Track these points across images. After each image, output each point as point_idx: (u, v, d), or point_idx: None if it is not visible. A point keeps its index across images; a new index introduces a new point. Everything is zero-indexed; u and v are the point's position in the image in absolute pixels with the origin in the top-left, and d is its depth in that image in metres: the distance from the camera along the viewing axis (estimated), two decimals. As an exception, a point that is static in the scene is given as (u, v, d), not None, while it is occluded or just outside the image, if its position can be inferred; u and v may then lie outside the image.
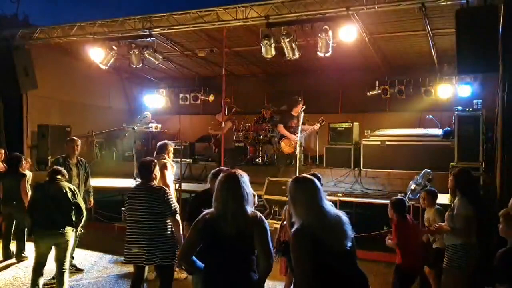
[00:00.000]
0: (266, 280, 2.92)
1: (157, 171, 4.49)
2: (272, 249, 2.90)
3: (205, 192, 4.09)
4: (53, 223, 4.83)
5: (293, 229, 2.68)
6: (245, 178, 2.98)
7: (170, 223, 4.31)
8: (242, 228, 2.80)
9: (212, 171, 4.05)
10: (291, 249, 2.64)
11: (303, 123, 7.79)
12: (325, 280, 2.55)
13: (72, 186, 5.12)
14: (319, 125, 7.75)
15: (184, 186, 7.94)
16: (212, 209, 2.92)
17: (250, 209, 2.92)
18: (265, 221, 2.92)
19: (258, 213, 2.95)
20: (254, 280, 2.84)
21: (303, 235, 2.59)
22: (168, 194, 4.32)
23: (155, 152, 5.93)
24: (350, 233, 2.63)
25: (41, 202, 4.89)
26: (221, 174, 3.07)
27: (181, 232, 4.25)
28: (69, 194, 4.92)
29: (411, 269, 4.31)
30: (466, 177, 4.38)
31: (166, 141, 6.03)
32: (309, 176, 2.87)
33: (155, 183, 4.45)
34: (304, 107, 7.80)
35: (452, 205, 4.28)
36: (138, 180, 8.24)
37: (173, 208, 4.27)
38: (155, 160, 4.65)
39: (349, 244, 2.62)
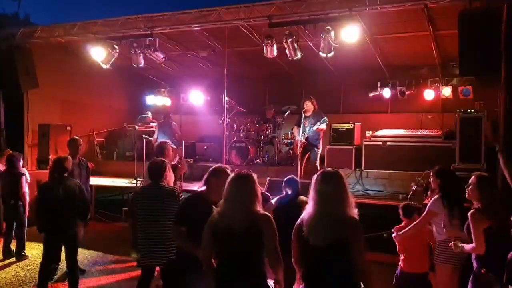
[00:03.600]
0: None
1: (168, 171, 4.47)
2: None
3: (198, 197, 3.65)
4: (67, 223, 4.82)
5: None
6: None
7: None
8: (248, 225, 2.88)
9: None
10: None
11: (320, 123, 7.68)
12: None
13: (77, 182, 5.09)
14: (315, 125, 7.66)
15: (185, 186, 7.94)
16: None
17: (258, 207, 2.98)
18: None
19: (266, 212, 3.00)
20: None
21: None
22: (181, 195, 4.28)
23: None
24: None
25: (52, 203, 4.82)
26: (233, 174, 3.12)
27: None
28: (77, 191, 4.91)
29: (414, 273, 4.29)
30: (447, 177, 4.37)
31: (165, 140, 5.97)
32: None
33: (165, 183, 4.42)
34: (308, 103, 7.69)
35: None
36: (139, 180, 8.28)
37: None
38: (166, 161, 4.62)
39: None
